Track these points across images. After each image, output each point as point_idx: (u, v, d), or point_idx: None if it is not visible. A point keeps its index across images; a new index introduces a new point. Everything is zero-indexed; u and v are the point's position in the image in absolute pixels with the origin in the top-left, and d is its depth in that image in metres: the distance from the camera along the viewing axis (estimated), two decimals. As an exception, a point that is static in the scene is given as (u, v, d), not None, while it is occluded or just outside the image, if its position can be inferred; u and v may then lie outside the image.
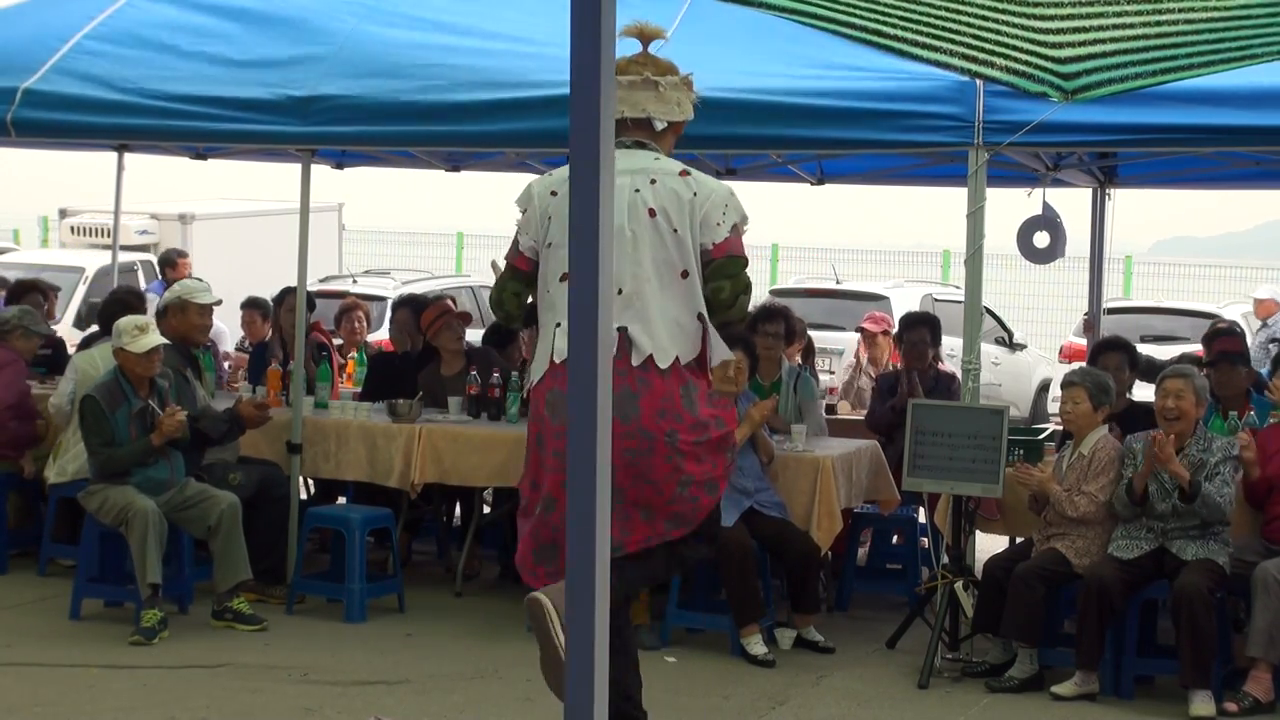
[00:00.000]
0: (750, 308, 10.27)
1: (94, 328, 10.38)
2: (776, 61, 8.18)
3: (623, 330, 5.28)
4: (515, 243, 5.59)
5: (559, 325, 5.35)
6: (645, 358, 5.29)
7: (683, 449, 5.32)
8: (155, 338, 7.97)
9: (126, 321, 8.04)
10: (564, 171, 5.54)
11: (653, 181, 5.39)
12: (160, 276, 14.22)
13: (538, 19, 8.73)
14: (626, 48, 5.58)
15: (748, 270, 5.51)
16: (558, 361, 5.33)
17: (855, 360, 11.35)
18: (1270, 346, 14.06)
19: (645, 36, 5.57)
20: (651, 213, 5.34)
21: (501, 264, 5.74)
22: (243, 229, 19.62)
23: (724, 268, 5.44)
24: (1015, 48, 4.31)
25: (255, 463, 8.71)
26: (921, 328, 9.64)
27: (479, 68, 8.48)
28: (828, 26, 4.26)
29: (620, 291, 5.30)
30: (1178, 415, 7.32)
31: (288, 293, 9.98)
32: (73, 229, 19.82)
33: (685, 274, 5.36)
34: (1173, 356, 9.98)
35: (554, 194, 5.48)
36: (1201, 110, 7.45)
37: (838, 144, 8.18)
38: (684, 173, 5.47)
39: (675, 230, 5.35)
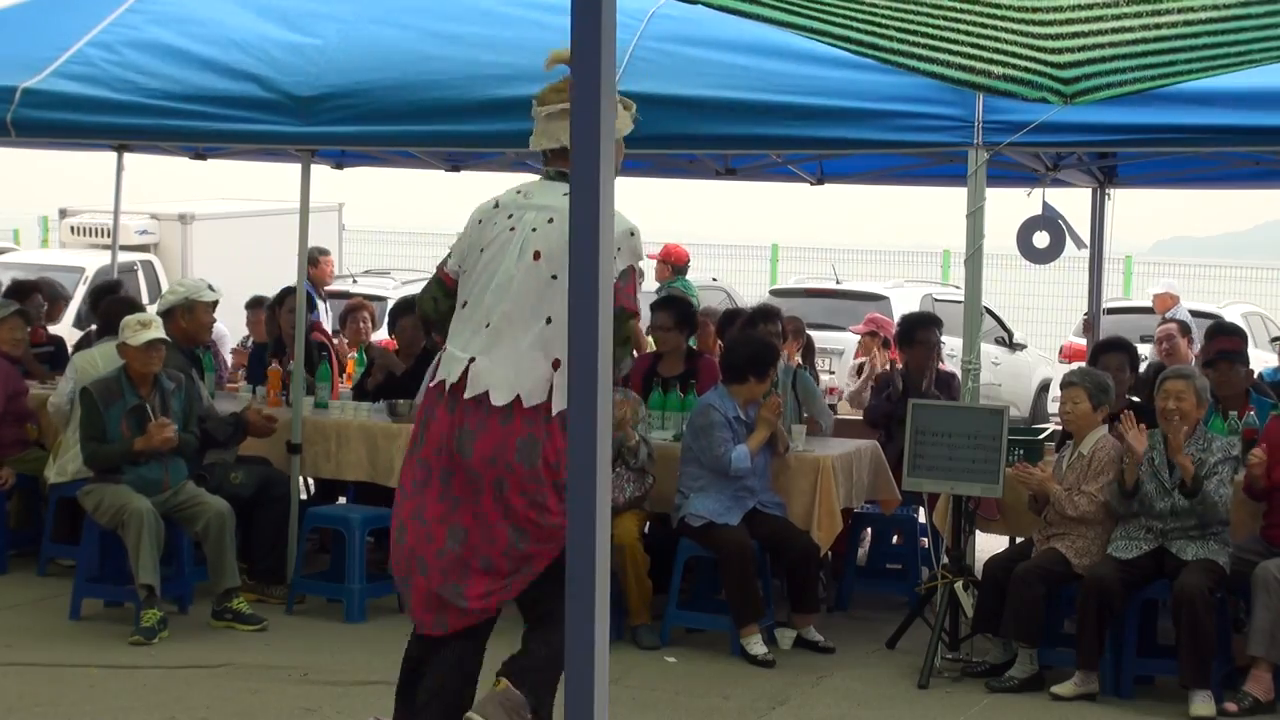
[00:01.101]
0: (749, 307, 10.38)
1: (93, 327, 10.38)
2: (777, 61, 8.17)
3: (470, 360, 5.25)
4: (446, 256, 5.60)
5: (446, 351, 5.38)
6: (480, 392, 5.19)
7: (510, 499, 5.19)
8: (156, 332, 7.99)
9: (130, 318, 8.12)
10: (490, 201, 5.51)
11: (550, 221, 5.29)
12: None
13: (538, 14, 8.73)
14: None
15: (632, 320, 5.37)
16: (431, 383, 5.39)
17: (868, 364, 11.24)
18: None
19: (562, 61, 5.34)
20: (536, 255, 5.27)
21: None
22: (243, 229, 19.61)
23: None
24: (1014, 54, 4.31)
25: (252, 461, 8.72)
26: (929, 327, 9.64)
27: (479, 65, 8.49)
28: (825, 40, 4.25)
29: (488, 325, 5.26)
30: (1179, 416, 7.33)
31: (288, 293, 9.99)
32: (73, 229, 19.81)
33: (550, 320, 5.21)
34: (1148, 365, 9.97)
35: (480, 222, 5.48)
36: (1201, 110, 7.45)
37: (838, 144, 8.17)
38: None
39: (555, 276, 5.21)
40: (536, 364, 5.21)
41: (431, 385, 5.40)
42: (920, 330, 9.67)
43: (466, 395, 5.22)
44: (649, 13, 8.46)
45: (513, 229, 5.36)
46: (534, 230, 5.31)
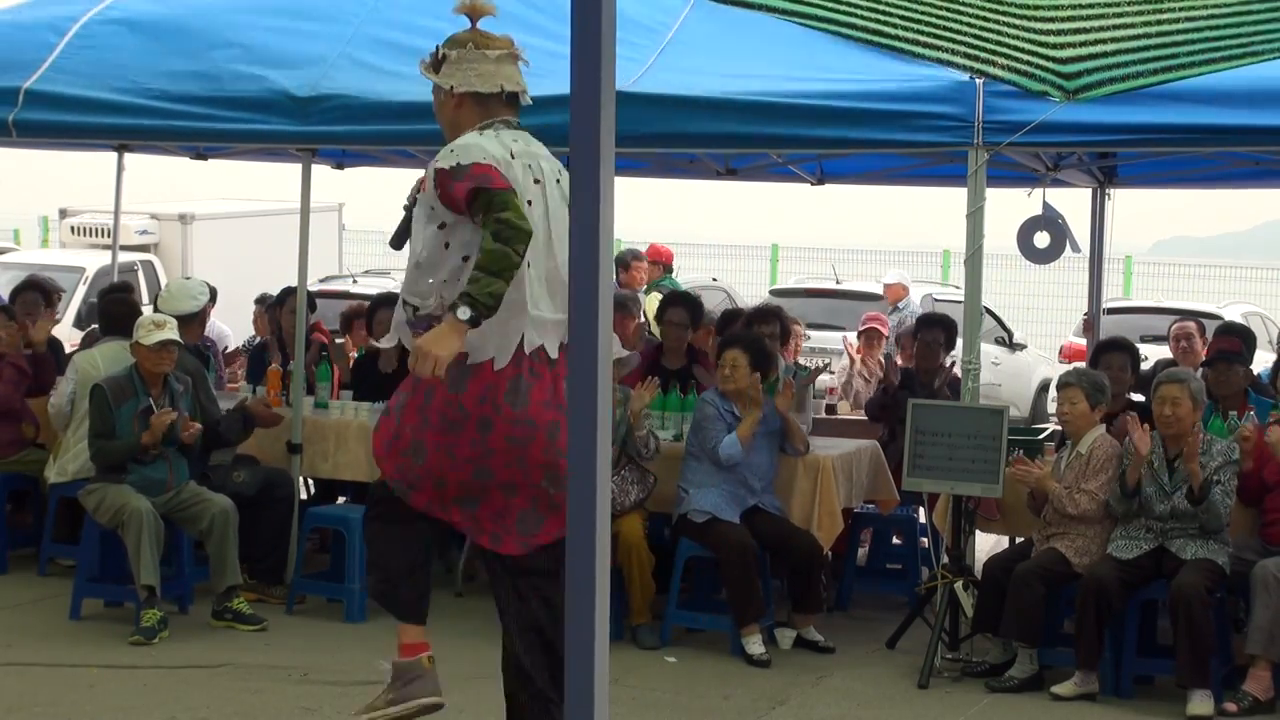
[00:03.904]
0: (748, 308, 10.41)
1: (94, 327, 10.37)
2: (777, 62, 8.18)
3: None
4: (498, 173, 5.03)
5: (532, 315, 5.09)
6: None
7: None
8: (169, 333, 7.99)
9: (146, 317, 8.17)
10: (507, 140, 5.19)
11: (560, 175, 5.25)
12: (614, 280, 14.21)
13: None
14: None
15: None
16: (527, 352, 5.10)
17: (849, 359, 11.38)
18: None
19: (476, 13, 5.31)
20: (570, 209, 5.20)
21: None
22: (243, 229, 19.61)
23: None
24: (1016, 48, 4.32)
25: (248, 460, 8.72)
26: (935, 328, 9.65)
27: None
28: (828, 28, 4.26)
29: (564, 282, 5.05)
30: (1175, 420, 7.33)
31: (289, 293, 10.01)
32: (73, 229, 19.81)
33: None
34: (1150, 365, 9.98)
35: (513, 157, 5.14)
36: (1201, 110, 7.45)
37: (838, 144, 8.18)
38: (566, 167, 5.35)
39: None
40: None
41: (514, 354, 5.09)
42: (919, 330, 9.72)
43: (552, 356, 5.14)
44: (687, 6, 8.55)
45: (537, 181, 5.16)
46: (558, 182, 5.21)
